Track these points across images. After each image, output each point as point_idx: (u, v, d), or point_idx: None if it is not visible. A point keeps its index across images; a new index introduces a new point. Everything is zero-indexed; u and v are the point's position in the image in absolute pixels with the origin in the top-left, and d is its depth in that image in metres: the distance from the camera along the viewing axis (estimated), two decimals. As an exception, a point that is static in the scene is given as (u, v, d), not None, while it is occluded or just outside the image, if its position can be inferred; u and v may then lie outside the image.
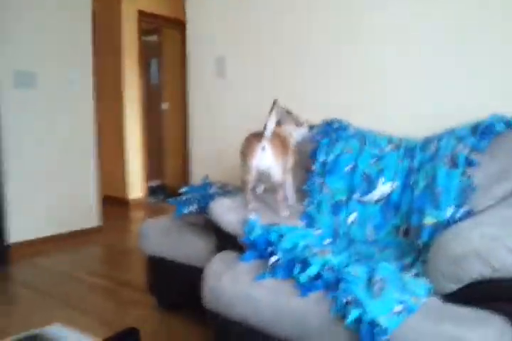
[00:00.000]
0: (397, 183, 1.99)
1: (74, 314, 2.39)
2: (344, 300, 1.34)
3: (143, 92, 5.44)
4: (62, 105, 3.74)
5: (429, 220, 1.73)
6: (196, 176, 3.12)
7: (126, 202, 5.24)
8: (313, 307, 1.42)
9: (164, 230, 2.36)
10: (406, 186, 1.96)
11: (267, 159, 1.82)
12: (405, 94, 2.33)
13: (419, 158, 1.98)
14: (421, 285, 1.38)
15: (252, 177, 1.85)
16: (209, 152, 3.16)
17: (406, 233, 1.88)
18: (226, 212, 1.85)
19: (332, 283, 1.42)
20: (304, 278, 1.47)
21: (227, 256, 1.77)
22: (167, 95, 6.01)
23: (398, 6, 2.30)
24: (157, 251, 2.37)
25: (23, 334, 2.10)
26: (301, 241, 1.68)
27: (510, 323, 1.27)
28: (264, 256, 1.65)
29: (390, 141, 2.14)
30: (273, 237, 1.69)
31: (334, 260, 1.50)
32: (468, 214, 1.70)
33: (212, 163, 3.07)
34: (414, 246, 1.76)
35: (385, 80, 2.38)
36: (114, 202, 5.25)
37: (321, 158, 2.16)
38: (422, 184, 1.89)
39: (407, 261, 1.64)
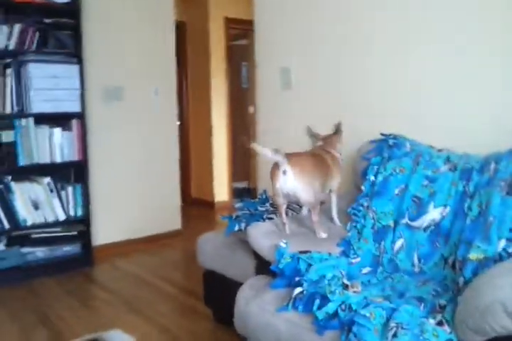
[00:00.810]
0: (448, 209, 1.83)
1: (137, 320, 2.53)
2: (355, 345, 1.27)
3: (230, 96, 5.55)
4: (148, 114, 3.96)
5: (474, 255, 1.56)
6: (262, 188, 3.14)
7: (212, 205, 5.41)
8: (327, 347, 1.37)
9: (218, 245, 2.41)
10: (458, 213, 1.79)
11: (289, 182, 1.82)
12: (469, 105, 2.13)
13: (476, 181, 1.80)
14: (441, 335, 1.26)
15: (280, 199, 1.88)
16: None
17: (454, 266, 1.72)
18: (261, 237, 1.84)
19: (346, 324, 1.35)
20: (321, 314, 1.42)
21: (259, 281, 1.77)
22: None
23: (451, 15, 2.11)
24: (212, 266, 2.43)
25: (83, 338, 2.29)
26: (330, 272, 1.62)
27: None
28: (292, 284, 1.62)
29: (447, 159, 1.96)
30: (302, 266, 1.65)
31: (353, 298, 1.43)
32: (523, 249, 1.52)
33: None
34: (457, 283, 1.61)
35: (450, 91, 2.20)
36: (201, 205, 5.46)
37: (370, 178, 2.06)
38: (475, 211, 1.72)
39: (443, 300, 1.50)
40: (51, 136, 3.32)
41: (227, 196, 5.54)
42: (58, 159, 3.34)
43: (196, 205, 5.53)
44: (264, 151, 1.80)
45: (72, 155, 3.40)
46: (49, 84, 3.22)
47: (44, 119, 3.27)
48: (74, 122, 3.40)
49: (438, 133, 2.22)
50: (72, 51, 3.32)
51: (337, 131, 2.25)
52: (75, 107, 3.36)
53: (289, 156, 1.83)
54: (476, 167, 1.84)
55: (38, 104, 3.18)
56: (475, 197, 1.76)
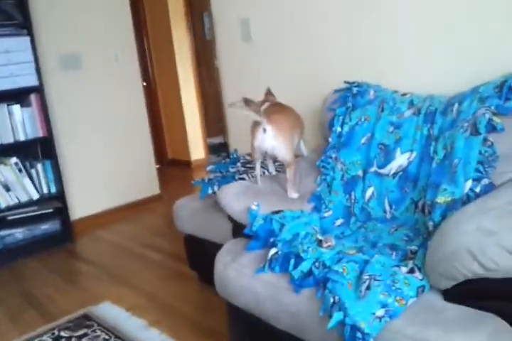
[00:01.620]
0: (415, 154, 1.82)
1: (124, 290, 2.56)
2: (331, 301, 1.30)
3: (194, 49, 5.34)
4: (109, 80, 3.80)
5: (442, 198, 1.56)
6: (233, 145, 3.11)
7: (189, 164, 5.37)
8: (305, 305, 1.40)
9: (194, 210, 2.41)
10: (424, 157, 1.79)
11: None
12: (429, 45, 2.08)
13: (440, 124, 1.79)
14: (412, 283, 1.28)
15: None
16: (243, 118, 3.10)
17: (424, 209, 1.74)
18: (232, 200, 1.84)
19: (321, 281, 1.37)
20: (296, 274, 1.44)
21: (235, 245, 1.77)
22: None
23: None
24: (190, 230, 2.43)
25: (73, 315, 2.32)
26: (303, 229, 1.63)
27: (506, 324, 1.16)
28: (267, 246, 1.63)
29: (411, 103, 1.94)
30: (275, 226, 1.65)
31: (326, 255, 1.44)
32: (489, 188, 1.53)
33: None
34: (427, 226, 1.64)
35: (409, 30, 2.13)
36: (179, 165, 5.42)
37: (337, 129, 2.03)
38: (440, 154, 1.71)
39: (414, 246, 1.52)
40: (11, 114, 3.18)
41: (204, 153, 5.49)
42: (22, 137, 3.22)
43: (174, 166, 5.49)
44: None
45: (35, 131, 3.28)
46: (1, 59, 3.06)
47: (1, 97, 3.13)
48: (33, 97, 3.26)
49: (402, 80, 2.18)
50: (21, 22, 3.12)
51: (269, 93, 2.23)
52: (31, 81, 3.20)
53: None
54: (439, 109, 1.83)
55: (-7, 82, 3.04)
56: (439, 140, 1.75)
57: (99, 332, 2.12)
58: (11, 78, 3.11)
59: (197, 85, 5.40)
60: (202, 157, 5.47)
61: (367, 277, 1.31)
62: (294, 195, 1.89)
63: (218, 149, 5.74)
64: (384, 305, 1.22)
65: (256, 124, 1.85)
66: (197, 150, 5.47)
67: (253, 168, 2.33)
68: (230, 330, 1.85)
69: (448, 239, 1.24)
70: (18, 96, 3.23)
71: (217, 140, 6.00)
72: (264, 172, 2.17)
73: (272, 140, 1.81)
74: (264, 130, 1.81)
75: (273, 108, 1.97)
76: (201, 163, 5.37)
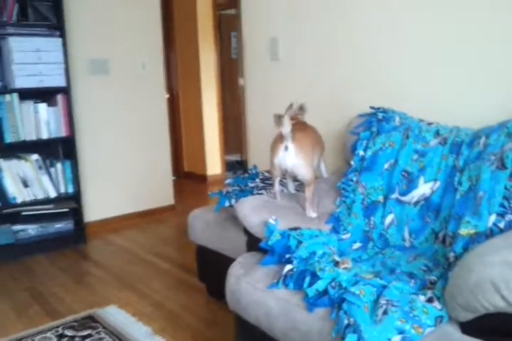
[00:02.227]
0: (438, 183, 1.82)
1: (131, 296, 2.55)
2: (345, 322, 1.28)
3: (219, 67, 5.44)
4: (135, 88, 3.87)
5: (465, 230, 1.55)
6: (252, 162, 3.13)
7: (205, 178, 5.39)
8: (317, 324, 1.38)
9: (209, 222, 2.41)
10: (448, 187, 1.78)
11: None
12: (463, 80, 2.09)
13: (466, 155, 1.79)
14: (431, 312, 1.27)
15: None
16: (264, 136, 3.12)
17: (444, 241, 1.73)
18: (249, 213, 1.83)
19: (337, 302, 1.36)
20: (311, 292, 1.43)
21: (250, 258, 1.77)
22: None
23: None
24: (203, 241, 2.43)
25: (78, 315, 2.32)
26: (320, 249, 1.62)
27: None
28: (282, 262, 1.63)
29: (437, 133, 1.94)
30: (292, 243, 1.65)
31: (343, 276, 1.43)
32: (513, 224, 1.52)
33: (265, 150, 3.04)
34: (447, 258, 1.62)
35: (441, 67, 2.15)
36: (194, 179, 5.45)
37: (359, 152, 2.04)
38: (465, 186, 1.71)
39: (434, 276, 1.51)
40: (36, 112, 3.25)
41: (220, 169, 5.51)
42: (45, 135, 3.28)
43: (189, 179, 5.51)
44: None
45: (58, 131, 3.34)
46: (32, 58, 3.13)
47: (28, 95, 3.21)
48: (59, 97, 3.33)
49: (428, 110, 2.19)
50: (54, 23, 3.22)
51: (301, 109, 2.20)
52: (59, 82, 3.28)
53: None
54: (466, 140, 1.82)
55: (22, 79, 3.10)
56: (465, 172, 1.74)
57: (103, 335, 2.11)
58: (39, 77, 3.19)
59: (219, 102, 5.47)
60: (218, 172, 5.50)
61: (384, 302, 1.30)
62: (313, 214, 1.89)
63: (234, 167, 5.79)
64: (401, 332, 1.20)
65: (277, 142, 1.84)
66: (214, 165, 5.50)
67: (272, 185, 2.34)
68: (236, 345, 1.83)
69: (471, 270, 1.22)
70: (45, 95, 3.31)
71: (234, 157, 6.05)
72: (282, 190, 2.17)
73: (293, 158, 1.81)
74: (286, 147, 1.80)
75: (297, 126, 1.96)
76: (217, 178, 5.40)
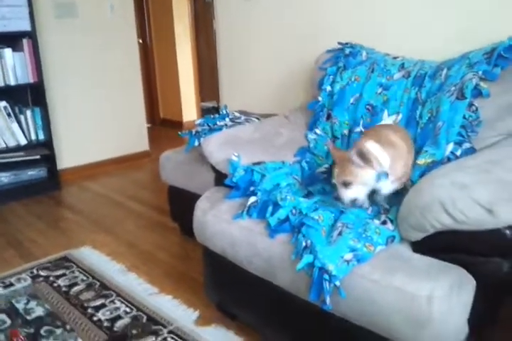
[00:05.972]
0: (401, 116, 1.84)
1: (106, 238, 2.60)
2: (303, 245, 1.34)
3: (193, 10, 5.26)
4: (104, 32, 3.74)
5: (422, 159, 1.59)
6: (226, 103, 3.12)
7: (181, 125, 5.36)
8: (278, 249, 1.43)
9: (179, 162, 2.43)
10: (410, 120, 1.81)
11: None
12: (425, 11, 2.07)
13: (428, 88, 1.80)
14: (383, 232, 1.32)
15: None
16: (237, 77, 3.09)
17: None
18: (215, 150, 1.85)
19: (296, 227, 1.40)
20: (273, 220, 1.47)
21: (216, 193, 1.80)
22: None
23: None
24: (174, 182, 2.46)
25: (53, 256, 2.36)
26: (284, 180, 1.65)
27: (470, 275, 1.20)
28: (246, 195, 1.66)
29: (402, 66, 1.94)
30: (255, 177, 1.68)
31: (304, 204, 1.47)
32: (470, 152, 1.55)
33: (239, 91, 3.02)
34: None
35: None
36: (170, 126, 5.40)
37: (327, 88, 2.04)
38: (425, 118, 1.73)
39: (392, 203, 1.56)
40: (1, 58, 3.14)
41: (196, 115, 5.47)
42: (12, 81, 3.19)
43: (165, 126, 5.48)
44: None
45: (26, 77, 3.24)
46: (-8, 1, 3.00)
47: (-9, 40, 3.09)
48: (25, 42, 3.21)
49: (395, 41, 2.18)
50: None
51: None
52: (24, 26, 3.15)
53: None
54: (429, 73, 1.83)
55: (-17, 23, 2.98)
56: (426, 104, 1.76)
57: (77, 273, 2.17)
58: (2, 21, 3.06)
59: (194, 48, 5.33)
60: (194, 118, 5.45)
61: (340, 225, 1.35)
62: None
63: (211, 113, 5.71)
64: (353, 250, 1.26)
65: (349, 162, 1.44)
66: (190, 112, 5.45)
67: (241, 123, 2.35)
68: (204, 275, 1.89)
69: (421, 192, 1.27)
70: (10, 40, 3.17)
71: (210, 104, 5.98)
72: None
73: (390, 185, 1.51)
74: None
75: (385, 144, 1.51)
76: (193, 124, 5.33)
